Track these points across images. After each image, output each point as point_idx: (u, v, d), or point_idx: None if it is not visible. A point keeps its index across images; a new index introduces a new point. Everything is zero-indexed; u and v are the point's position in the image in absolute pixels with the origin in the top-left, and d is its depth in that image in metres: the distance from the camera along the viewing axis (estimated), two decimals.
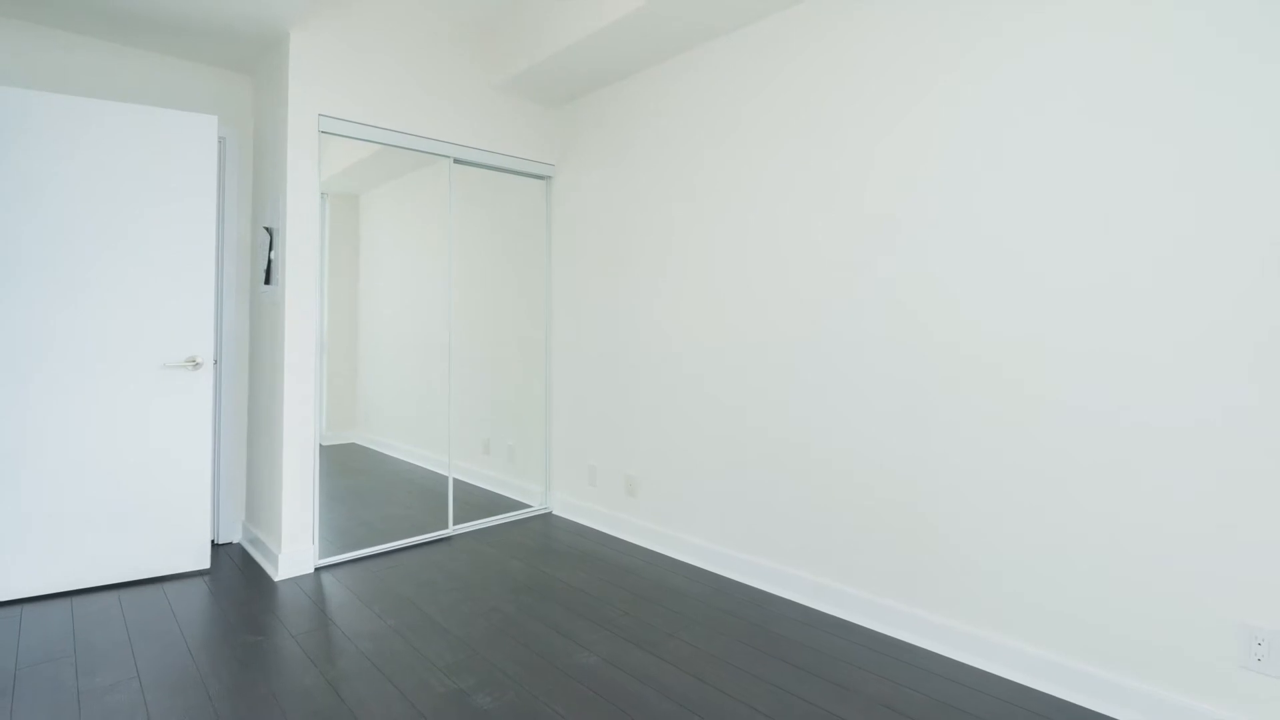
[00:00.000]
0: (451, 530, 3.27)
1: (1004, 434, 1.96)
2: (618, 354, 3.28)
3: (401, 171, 3.16)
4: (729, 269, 2.76)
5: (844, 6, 2.37)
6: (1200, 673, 1.63)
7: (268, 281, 2.94)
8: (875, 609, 2.25)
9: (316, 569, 2.80)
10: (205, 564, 2.78)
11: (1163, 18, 1.69)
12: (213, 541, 3.13)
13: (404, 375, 3.19)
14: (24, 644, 2.14)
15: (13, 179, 2.45)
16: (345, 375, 3.04)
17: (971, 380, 2.03)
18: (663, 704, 1.80)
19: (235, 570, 2.80)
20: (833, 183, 2.40)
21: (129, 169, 2.64)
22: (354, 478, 3.05)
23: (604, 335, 3.36)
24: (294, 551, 2.74)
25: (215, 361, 3.11)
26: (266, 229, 2.97)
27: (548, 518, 3.55)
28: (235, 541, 3.16)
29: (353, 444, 3.07)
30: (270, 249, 2.92)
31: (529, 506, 3.64)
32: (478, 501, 3.45)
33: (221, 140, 3.11)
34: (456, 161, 3.31)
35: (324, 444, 2.96)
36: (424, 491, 3.23)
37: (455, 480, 3.35)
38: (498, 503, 3.53)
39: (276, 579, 2.69)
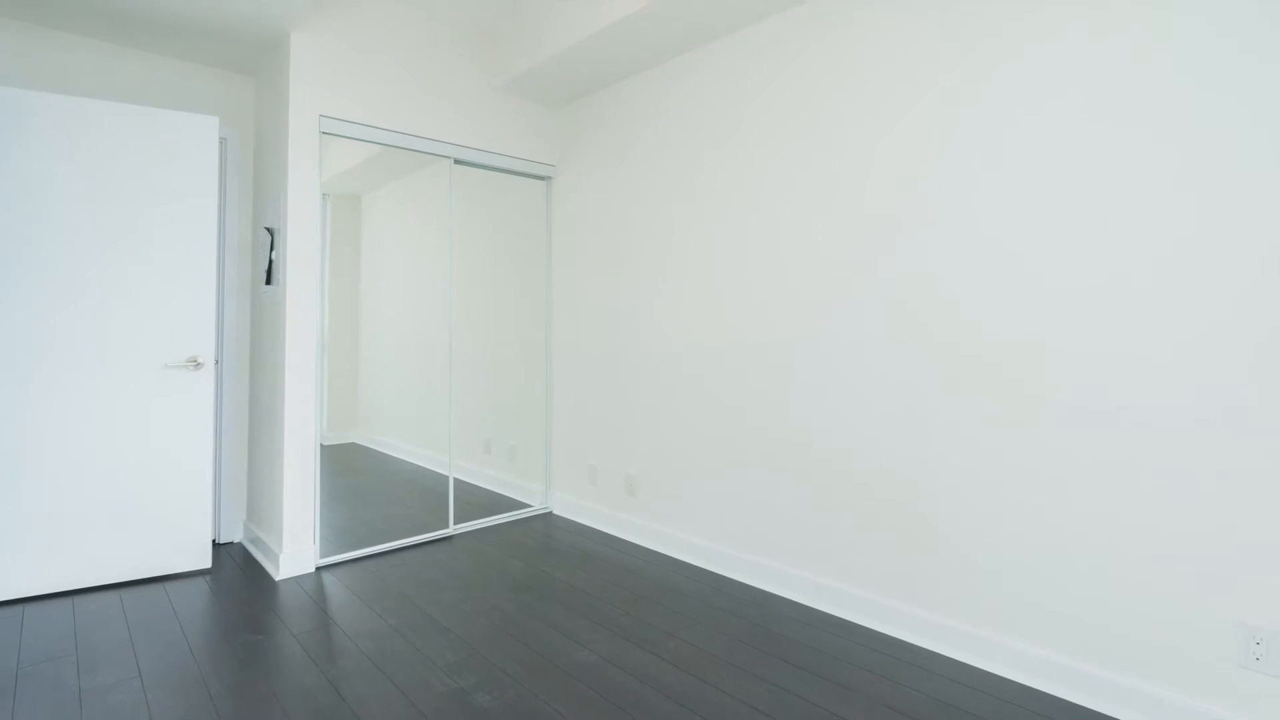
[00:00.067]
0: (452, 530, 3.28)
1: (1004, 434, 1.96)
2: (618, 354, 3.28)
3: (402, 172, 3.17)
4: (729, 269, 2.76)
5: (844, 7, 2.37)
6: (1200, 672, 1.63)
7: (269, 282, 2.95)
8: (875, 609, 2.25)
9: (317, 568, 2.81)
10: (206, 563, 2.79)
11: (1163, 18, 1.69)
12: (214, 541, 3.13)
13: (405, 375, 3.20)
14: (26, 643, 2.15)
15: (14, 179, 2.46)
16: (346, 375, 3.04)
17: (971, 380, 2.03)
18: (663, 703, 1.80)
19: (236, 570, 2.81)
20: (833, 183, 2.40)
21: (130, 169, 2.65)
22: (355, 477, 3.06)
23: (604, 335, 3.36)
24: (295, 551, 2.75)
25: (216, 361, 3.11)
26: (268, 229, 2.97)
27: (548, 517, 3.56)
28: (236, 541, 3.16)
29: (353, 444, 3.08)
30: (271, 249, 2.92)
31: (529, 506, 3.64)
32: (478, 501, 3.45)
33: (223, 141, 3.11)
34: (457, 162, 3.32)
35: (325, 444, 2.97)
36: (425, 491, 3.24)
37: (456, 480, 3.36)
38: (498, 502, 3.53)
39: (277, 578, 2.70)
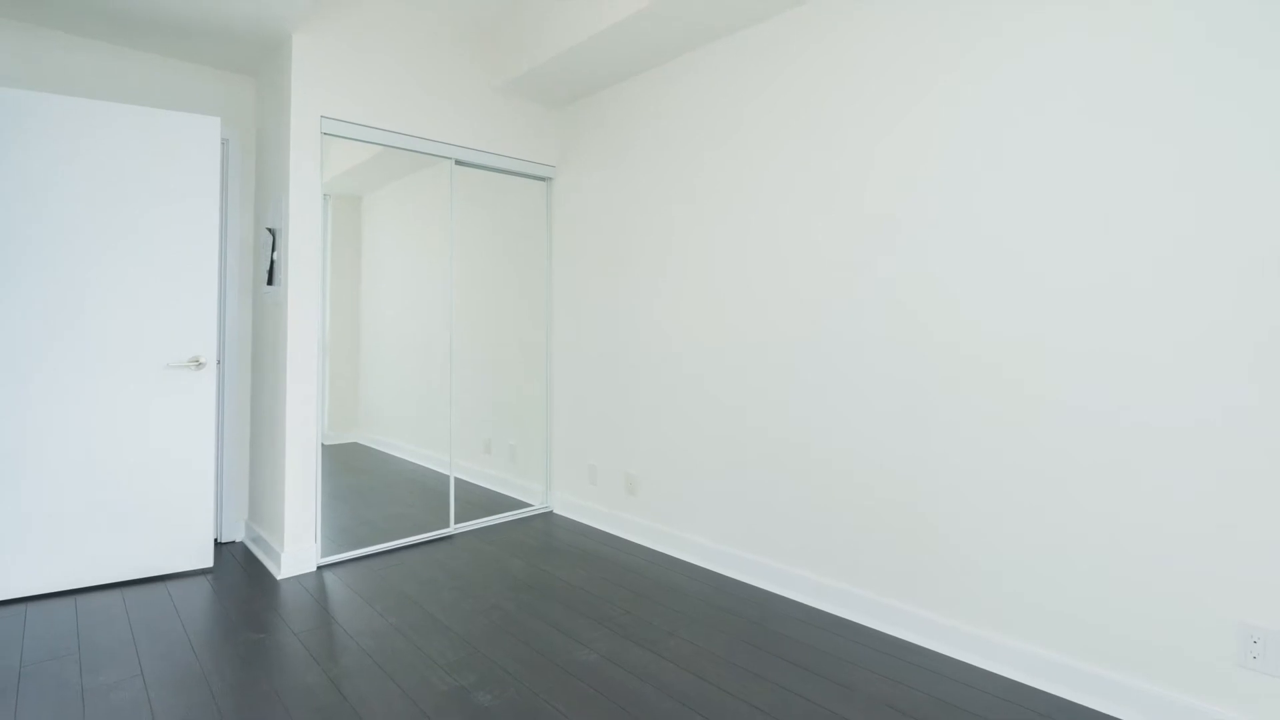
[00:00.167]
0: (453, 529, 3.29)
1: (1004, 434, 1.96)
2: (618, 354, 3.29)
3: (403, 173, 3.17)
4: (729, 269, 2.77)
5: (844, 7, 2.37)
6: (1199, 672, 1.63)
7: (270, 282, 2.95)
8: (876, 608, 2.26)
9: (319, 567, 2.81)
10: (208, 563, 2.80)
11: (1163, 18, 1.69)
12: (216, 540, 3.14)
13: (406, 375, 3.20)
14: (28, 642, 2.16)
15: (16, 179, 2.47)
16: (347, 375, 3.05)
17: (971, 380, 2.04)
18: (663, 702, 1.80)
19: (238, 569, 2.81)
20: (833, 183, 2.40)
21: (132, 170, 2.65)
22: (356, 477, 3.07)
23: (604, 335, 3.37)
24: (296, 550, 2.76)
25: (218, 361, 3.12)
26: (269, 230, 2.98)
27: (548, 516, 3.56)
28: (238, 540, 3.17)
29: (355, 443, 3.08)
30: (273, 250, 2.93)
31: (530, 505, 3.65)
32: (479, 500, 3.46)
33: (224, 141, 3.12)
34: (458, 163, 3.32)
35: (326, 443, 2.97)
36: (425, 491, 3.24)
37: (457, 479, 3.36)
38: (499, 502, 3.54)
39: (279, 577, 2.70)
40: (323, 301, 2.95)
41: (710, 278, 2.85)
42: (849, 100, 2.36)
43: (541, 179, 3.69)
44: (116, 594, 2.55)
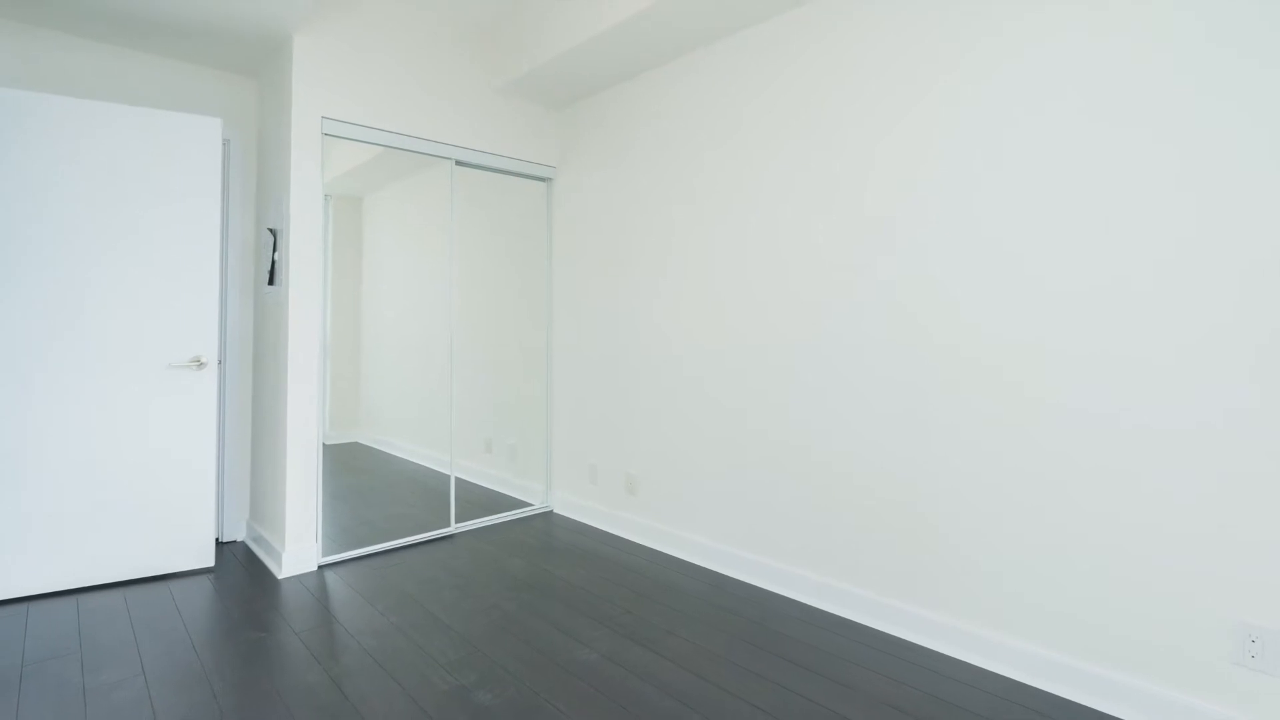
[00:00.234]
0: (453, 528, 3.29)
1: (1005, 436, 1.96)
2: (618, 356, 3.29)
3: (404, 174, 3.18)
4: (729, 271, 2.77)
5: (844, 7, 2.37)
6: (1199, 671, 1.63)
7: (271, 282, 2.96)
8: (876, 608, 2.26)
9: (320, 567, 2.82)
10: (210, 562, 2.80)
11: (1163, 18, 1.69)
12: (217, 540, 3.15)
13: (406, 375, 3.21)
14: (30, 641, 2.16)
15: (17, 180, 2.47)
16: (348, 375, 3.06)
17: (972, 382, 2.04)
18: (663, 701, 1.81)
19: (239, 568, 2.82)
20: (833, 184, 2.41)
21: (133, 171, 2.66)
22: (357, 477, 3.07)
23: (604, 337, 3.37)
24: (297, 550, 2.76)
25: (219, 361, 3.13)
26: (270, 230, 2.99)
27: (549, 516, 3.56)
28: (239, 540, 3.18)
29: (356, 443, 3.09)
30: (274, 250, 2.93)
31: (530, 505, 3.65)
32: (479, 500, 3.47)
33: (226, 142, 3.13)
34: (458, 164, 3.33)
35: (327, 443, 2.98)
36: (426, 490, 3.25)
37: (457, 479, 3.37)
38: (499, 501, 3.54)
39: (280, 577, 2.71)
40: (324, 302, 2.95)
41: (710, 279, 2.85)
42: (849, 100, 2.36)
43: (542, 179, 3.70)
44: (118, 593, 2.56)
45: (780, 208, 2.58)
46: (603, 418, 3.38)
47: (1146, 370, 1.71)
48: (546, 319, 3.72)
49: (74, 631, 2.23)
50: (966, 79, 2.05)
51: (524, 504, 3.63)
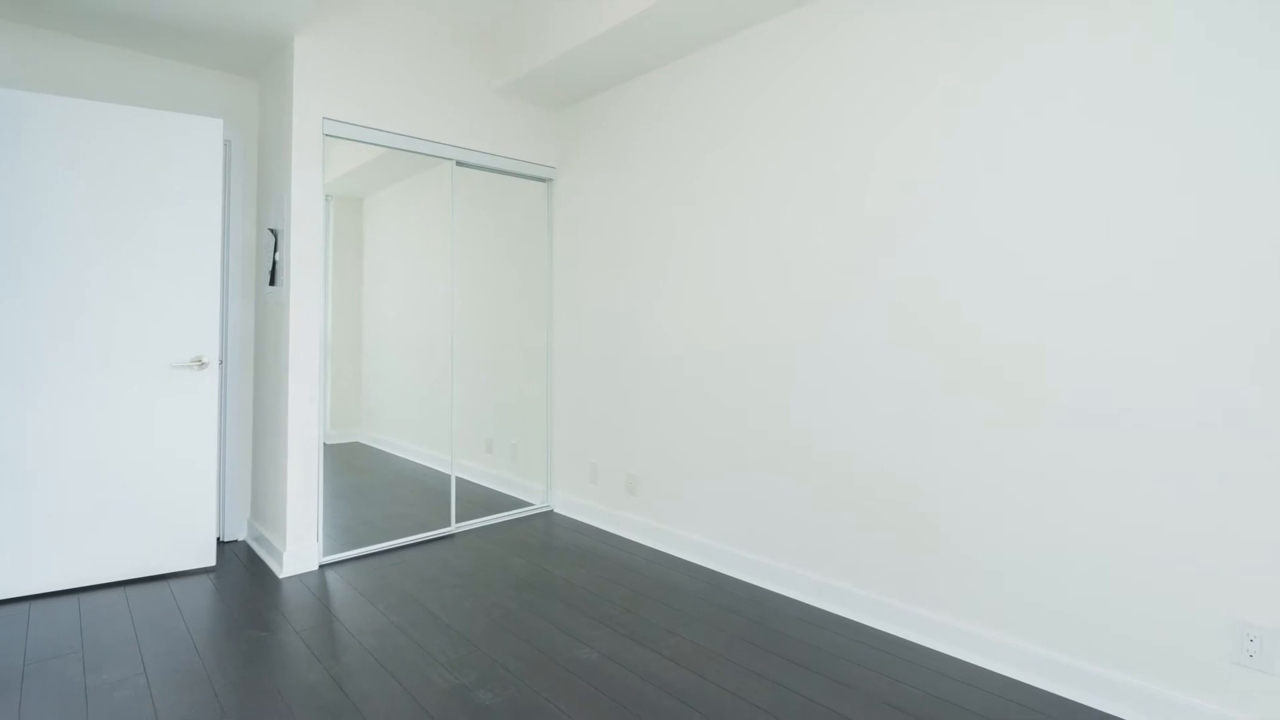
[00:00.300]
0: (454, 528, 3.30)
1: (1005, 436, 1.97)
2: (618, 356, 3.29)
3: (405, 174, 3.18)
4: (730, 271, 2.77)
5: (845, 8, 2.37)
6: (1199, 671, 1.63)
7: (273, 283, 2.97)
8: (877, 608, 2.26)
9: (321, 566, 2.83)
10: (211, 561, 2.81)
11: (1163, 18, 1.69)
12: (218, 539, 3.15)
13: (407, 375, 3.22)
14: (32, 640, 2.17)
15: (19, 181, 2.48)
16: (349, 375, 3.06)
17: (972, 383, 2.04)
18: (663, 699, 1.81)
19: (241, 567, 2.83)
20: (833, 184, 2.41)
21: (135, 172, 2.67)
22: (358, 476, 3.08)
23: (605, 337, 3.37)
24: (298, 549, 2.77)
25: (221, 362, 3.14)
26: (271, 231, 2.99)
27: (549, 515, 3.57)
28: (241, 539, 3.18)
29: (356, 443, 3.09)
30: (275, 251, 2.94)
31: (531, 504, 3.65)
32: (480, 499, 3.47)
33: (227, 143, 3.14)
34: (459, 164, 3.33)
35: (328, 443, 2.99)
36: (427, 490, 3.26)
37: (458, 479, 3.37)
38: (500, 501, 3.55)
39: (281, 576, 2.72)
40: (325, 302, 2.96)
41: (711, 279, 2.85)
42: (849, 100, 2.36)
43: (542, 180, 3.70)
44: (120, 592, 2.56)
45: (781, 208, 2.58)
46: (603, 418, 3.38)
47: (1147, 370, 1.71)
48: (547, 319, 3.72)
49: (76, 630, 2.24)
50: (966, 79, 2.06)
51: (524, 503, 3.64)
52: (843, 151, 2.38)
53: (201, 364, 2.77)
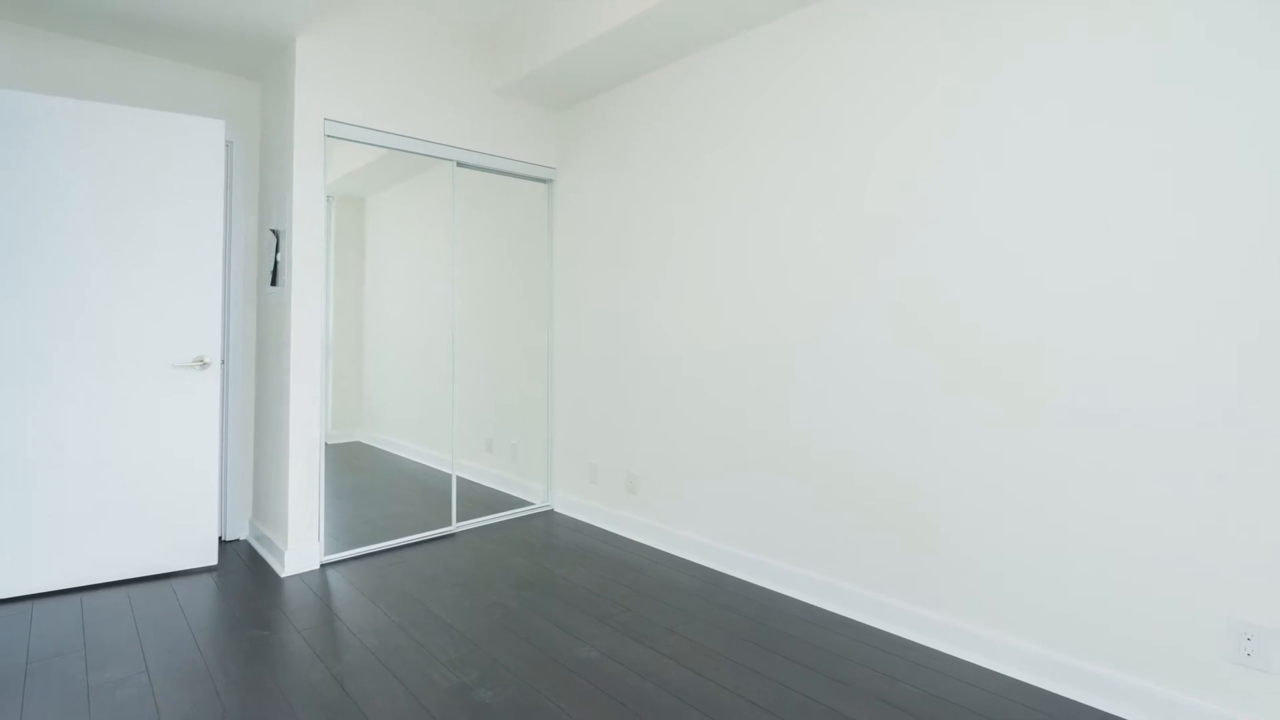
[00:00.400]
0: (455, 527, 3.30)
1: (1005, 436, 1.97)
2: (618, 356, 3.30)
3: (406, 175, 3.19)
4: (729, 271, 2.77)
5: (845, 8, 2.38)
6: (1198, 671, 1.63)
7: (274, 283, 2.97)
8: (876, 607, 2.26)
9: (322, 565, 2.83)
10: (213, 560, 2.82)
11: (1163, 18, 1.69)
12: (220, 538, 3.16)
13: (408, 375, 3.22)
14: (35, 639, 2.18)
15: (20, 182, 2.49)
16: (350, 375, 3.07)
17: (972, 383, 2.04)
18: (663, 698, 1.81)
19: (242, 566, 2.83)
20: (833, 184, 2.41)
21: (137, 172, 2.67)
22: (359, 476, 3.08)
23: (605, 337, 3.38)
24: (300, 548, 2.77)
25: (222, 362, 3.14)
26: (273, 231, 3.00)
27: (549, 515, 3.57)
28: (242, 538, 3.19)
29: (358, 443, 3.10)
30: (276, 251, 2.95)
31: (531, 504, 3.66)
32: (480, 499, 3.48)
33: (228, 144, 3.14)
34: (460, 165, 3.34)
35: (329, 443, 2.99)
36: (428, 489, 3.26)
37: (459, 478, 3.38)
38: (500, 500, 3.55)
39: (283, 575, 2.72)
40: (326, 302, 2.96)
41: (710, 280, 2.85)
42: (849, 100, 2.36)
43: (542, 181, 3.71)
44: (122, 592, 2.57)
45: (780, 208, 2.58)
46: (603, 417, 3.39)
47: (1146, 370, 1.71)
48: (547, 319, 3.73)
49: (78, 629, 2.25)
50: (966, 79, 2.06)
51: (525, 503, 3.64)
52: (843, 151, 2.38)
53: (203, 364, 2.78)
